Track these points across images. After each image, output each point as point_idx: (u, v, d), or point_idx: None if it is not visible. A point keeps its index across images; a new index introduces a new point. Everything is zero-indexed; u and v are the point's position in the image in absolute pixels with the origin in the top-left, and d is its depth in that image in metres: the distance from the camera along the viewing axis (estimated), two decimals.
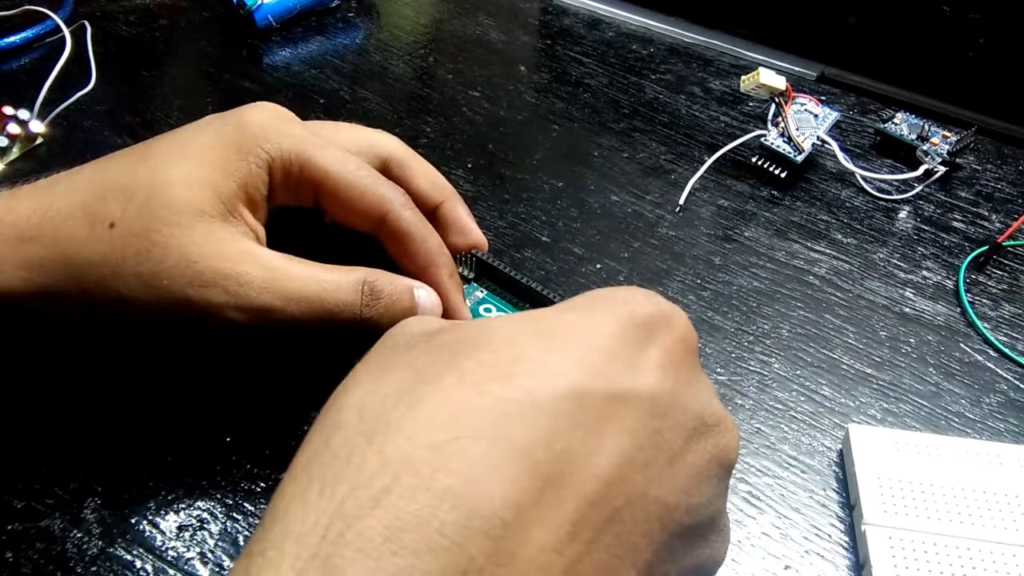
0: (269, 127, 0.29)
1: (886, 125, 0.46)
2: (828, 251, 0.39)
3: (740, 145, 0.43)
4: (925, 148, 0.44)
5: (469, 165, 0.43)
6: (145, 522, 0.27)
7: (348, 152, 0.30)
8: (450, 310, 0.30)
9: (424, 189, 0.32)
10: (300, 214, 0.31)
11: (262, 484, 0.28)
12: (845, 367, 0.34)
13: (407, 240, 0.29)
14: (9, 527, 0.26)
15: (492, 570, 0.15)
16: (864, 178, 0.43)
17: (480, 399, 0.17)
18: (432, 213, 0.32)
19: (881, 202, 0.43)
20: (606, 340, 0.19)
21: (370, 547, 0.15)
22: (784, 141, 0.43)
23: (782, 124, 0.43)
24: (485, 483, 0.16)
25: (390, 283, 0.29)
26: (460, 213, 0.32)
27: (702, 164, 0.43)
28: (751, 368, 0.33)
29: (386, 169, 0.31)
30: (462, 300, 0.31)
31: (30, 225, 0.26)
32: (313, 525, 0.16)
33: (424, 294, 0.29)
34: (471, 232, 0.32)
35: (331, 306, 0.27)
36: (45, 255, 0.26)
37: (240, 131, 0.28)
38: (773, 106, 0.44)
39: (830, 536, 0.28)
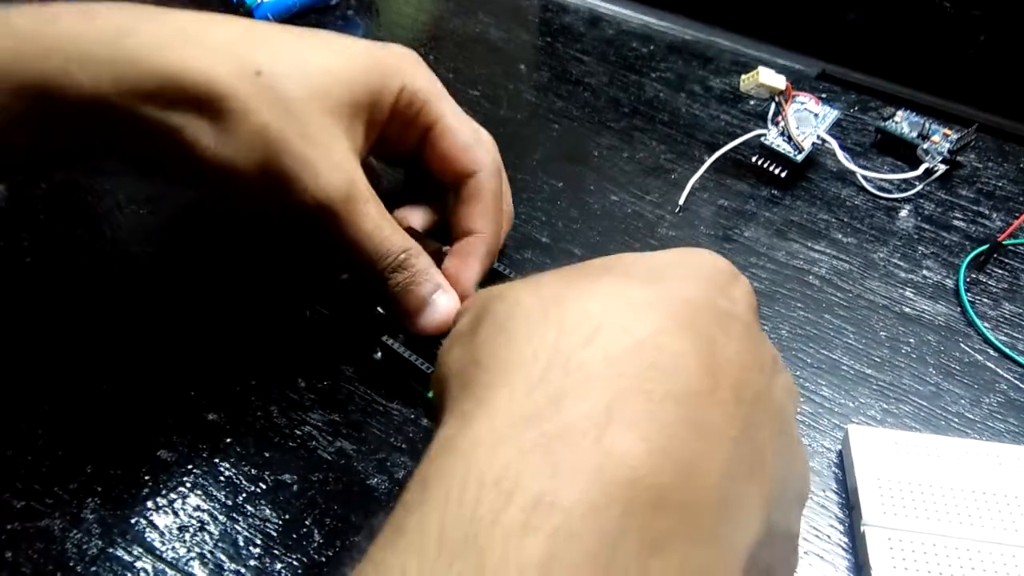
0: (407, 64, 0.32)
1: (886, 123, 0.46)
2: (828, 251, 0.39)
3: (740, 144, 0.43)
4: (926, 146, 0.44)
5: None
6: (145, 522, 0.27)
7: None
8: (463, 278, 0.32)
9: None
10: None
11: (262, 485, 0.28)
12: (845, 367, 0.34)
13: (479, 201, 0.32)
14: (9, 527, 0.26)
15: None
16: (864, 177, 0.43)
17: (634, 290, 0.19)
18: None
19: (881, 201, 0.43)
20: (704, 275, 0.20)
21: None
22: (784, 140, 0.43)
23: (782, 123, 0.43)
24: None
25: (423, 266, 0.30)
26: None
27: (702, 163, 0.43)
28: None
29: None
30: (478, 277, 0.32)
31: (173, 39, 0.27)
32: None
33: (445, 298, 0.31)
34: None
35: (373, 246, 0.29)
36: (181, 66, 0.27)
37: (385, 59, 0.31)
38: (773, 105, 0.43)
39: (829, 537, 0.28)
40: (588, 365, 0.17)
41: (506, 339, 0.18)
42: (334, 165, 0.28)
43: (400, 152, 0.34)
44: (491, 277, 0.33)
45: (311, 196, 0.28)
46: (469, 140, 0.32)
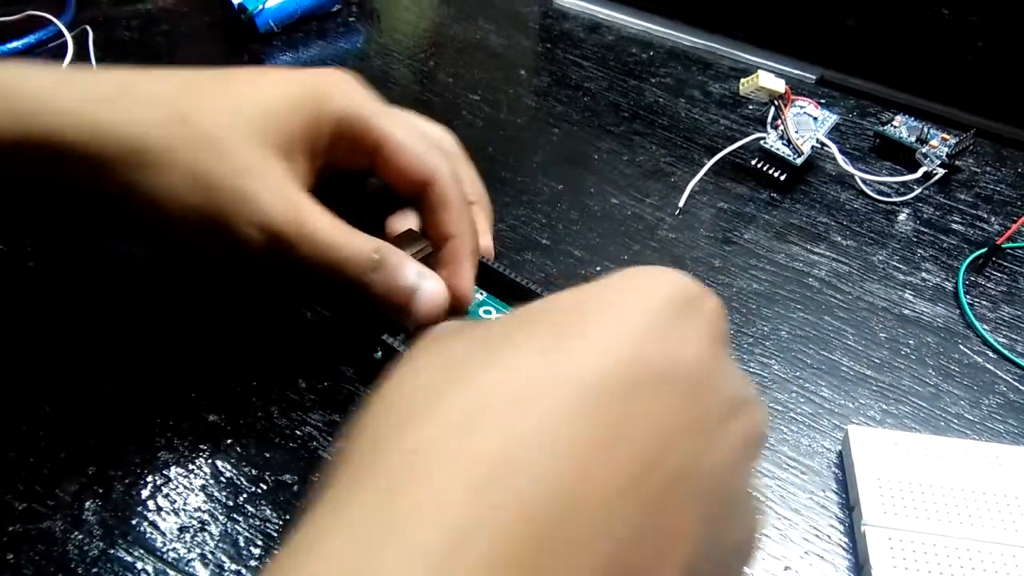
0: (340, 88, 0.31)
1: (885, 128, 0.46)
2: (828, 253, 0.39)
3: (740, 148, 0.43)
4: (924, 151, 0.44)
5: None
6: (146, 523, 0.27)
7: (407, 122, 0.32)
8: (456, 285, 0.31)
9: (464, 185, 0.33)
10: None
11: (263, 486, 0.28)
12: (845, 369, 0.34)
13: (445, 208, 0.31)
14: (10, 528, 0.26)
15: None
16: (863, 180, 0.43)
17: (524, 376, 0.17)
18: None
19: (880, 204, 0.43)
20: (646, 315, 0.18)
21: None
22: (783, 144, 0.43)
23: (781, 127, 0.43)
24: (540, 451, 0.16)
25: (399, 259, 0.30)
26: (481, 217, 0.34)
27: (702, 167, 0.43)
28: (751, 370, 0.33)
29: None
30: (471, 278, 0.31)
31: (107, 93, 0.28)
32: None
33: (431, 284, 0.30)
34: (483, 235, 0.33)
35: (340, 257, 0.29)
36: (114, 118, 0.27)
37: (317, 86, 0.30)
38: (772, 109, 0.44)
39: (829, 537, 0.28)
40: (452, 479, 0.15)
41: (385, 428, 0.17)
42: (273, 193, 0.28)
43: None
44: (499, 282, 0.33)
45: (255, 228, 0.28)
46: (418, 149, 0.31)
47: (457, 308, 0.31)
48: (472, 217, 0.32)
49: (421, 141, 0.32)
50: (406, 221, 0.34)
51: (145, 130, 0.27)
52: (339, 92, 0.31)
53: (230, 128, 0.28)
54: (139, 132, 0.27)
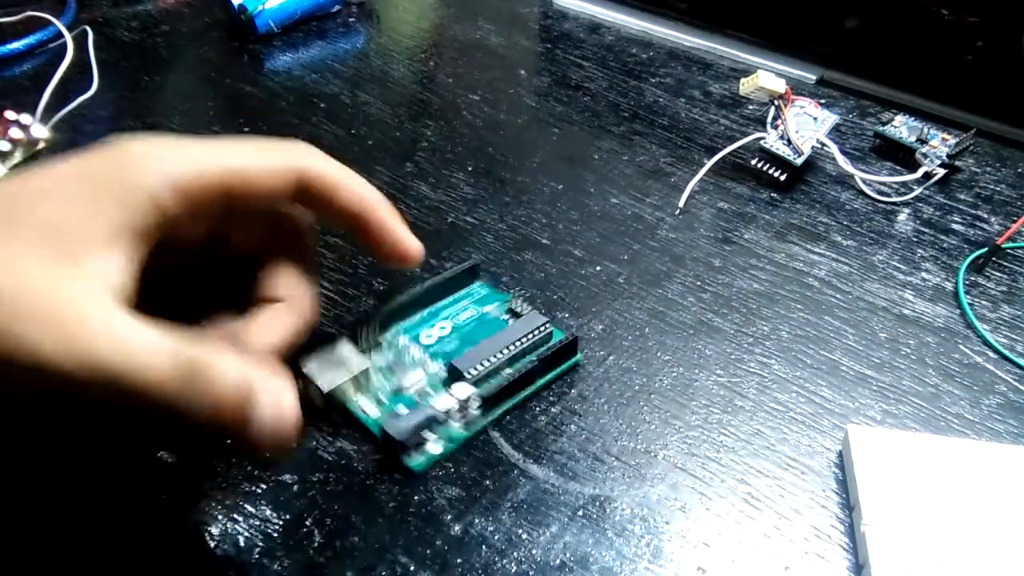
0: (153, 154, 0.24)
1: (885, 128, 0.46)
2: (828, 253, 0.39)
3: (740, 148, 0.43)
4: (924, 151, 0.44)
5: (469, 168, 0.43)
6: (145, 524, 0.27)
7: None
8: (398, 240, 0.28)
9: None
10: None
11: (263, 485, 0.28)
12: (844, 369, 0.34)
13: (335, 190, 0.27)
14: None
15: None
16: (863, 180, 0.43)
17: None
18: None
19: (880, 204, 0.43)
20: None
21: None
22: (784, 144, 0.43)
23: (781, 127, 0.43)
24: None
25: (212, 357, 0.22)
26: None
27: (702, 167, 0.43)
28: (751, 370, 0.33)
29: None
30: (405, 230, 0.28)
31: None
32: None
33: (268, 401, 0.22)
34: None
35: (132, 378, 0.20)
36: None
37: (121, 163, 0.24)
38: (772, 109, 0.44)
39: (829, 537, 0.28)
40: None
41: None
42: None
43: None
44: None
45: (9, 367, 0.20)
46: (273, 166, 0.26)
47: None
48: (362, 180, 0.28)
49: (272, 160, 0.26)
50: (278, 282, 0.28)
51: None
52: (148, 165, 0.24)
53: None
54: None
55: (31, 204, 0.22)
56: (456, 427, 0.29)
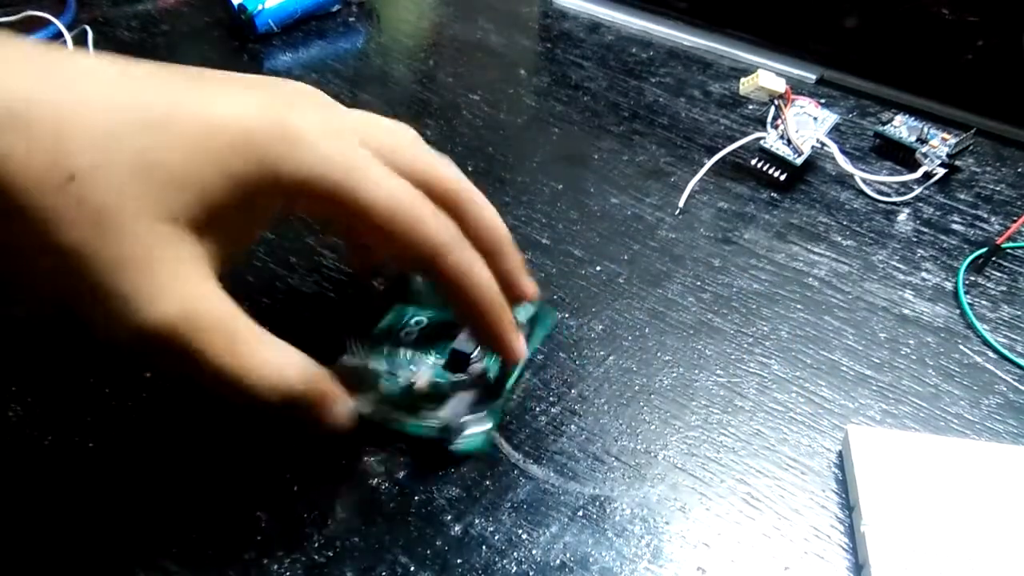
0: (290, 144, 0.24)
1: (885, 127, 0.46)
2: (827, 253, 0.39)
3: (739, 148, 0.43)
4: (924, 150, 0.44)
5: (469, 168, 0.43)
6: (144, 525, 0.27)
7: (393, 173, 0.25)
8: (505, 350, 0.29)
9: (479, 237, 0.27)
10: None
11: (263, 486, 0.28)
12: (844, 369, 0.34)
13: (459, 287, 0.26)
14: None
15: None
16: (863, 180, 0.43)
17: None
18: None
19: (880, 204, 0.43)
20: None
21: None
22: (783, 144, 0.43)
23: (781, 127, 0.43)
24: None
25: (327, 380, 0.26)
26: (508, 260, 0.29)
27: (702, 167, 0.43)
28: (750, 370, 0.33)
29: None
30: (518, 340, 0.29)
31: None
32: None
33: (340, 407, 0.26)
34: (519, 276, 0.29)
35: (243, 386, 0.23)
36: None
37: (257, 144, 0.23)
38: (772, 109, 0.44)
39: (829, 537, 0.28)
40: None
41: None
42: (160, 291, 0.22)
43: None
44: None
45: (132, 331, 0.22)
46: (410, 217, 0.25)
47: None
48: (494, 285, 0.27)
49: (413, 204, 0.25)
50: None
51: (21, 186, 0.21)
52: (288, 152, 0.23)
53: (122, 198, 0.22)
54: (12, 188, 0.21)
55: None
56: (486, 401, 0.30)
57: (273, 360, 0.24)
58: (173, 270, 0.22)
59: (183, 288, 0.23)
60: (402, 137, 0.28)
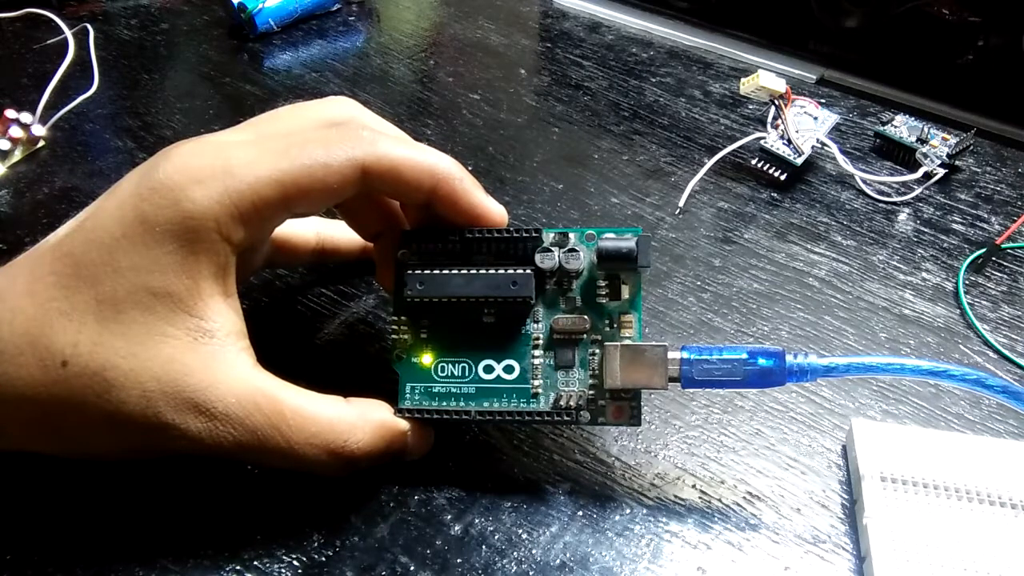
0: (205, 187, 0.24)
1: (885, 128, 0.46)
2: (828, 253, 0.39)
3: (740, 148, 0.43)
4: (924, 150, 0.44)
5: (470, 168, 0.43)
6: (144, 526, 0.27)
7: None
8: (473, 207, 0.28)
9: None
10: None
11: (263, 486, 0.28)
12: None
13: (398, 172, 0.26)
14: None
15: None
16: (864, 180, 0.43)
17: None
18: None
19: (880, 204, 0.43)
20: None
21: None
22: (784, 143, 0.43)
23: (782, 127, 0.43)
24: None
25: (385, 411, 0.27)
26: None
27: (702, 166, 0.43)
28: None
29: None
30: (482, 195, 0.28)
31: None
32: None
33: (413, 439, 0.28)
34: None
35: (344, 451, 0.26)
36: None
37: (176, 206, 0.24)
38: (773, 109, 0.44)
39: (829, 537, 0.28)
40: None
41: None
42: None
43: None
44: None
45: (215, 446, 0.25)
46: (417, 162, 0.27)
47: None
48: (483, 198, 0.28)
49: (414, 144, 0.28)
50: None
51: (19, 381, 0.23)
52: (203, 198, 0.24)
53: (116, 350, 0.24)
54: (16, 391, 0.23)
55: (119, 274, 0.24)
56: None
57: (326, 415, 0.26)
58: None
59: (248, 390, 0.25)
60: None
